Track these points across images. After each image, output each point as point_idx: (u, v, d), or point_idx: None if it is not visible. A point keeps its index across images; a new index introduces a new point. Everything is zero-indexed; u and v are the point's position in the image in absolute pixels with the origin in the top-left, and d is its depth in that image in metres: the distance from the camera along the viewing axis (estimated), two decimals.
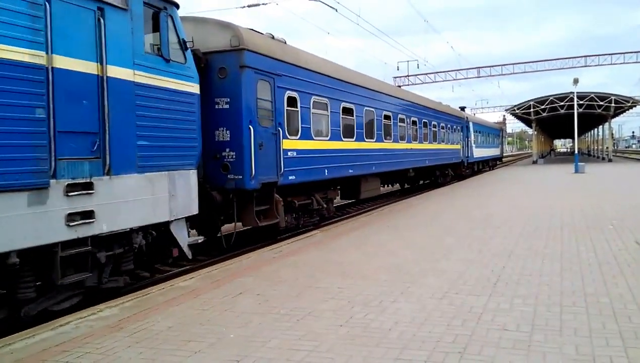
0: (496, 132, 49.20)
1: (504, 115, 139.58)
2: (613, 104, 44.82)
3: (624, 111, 51.06)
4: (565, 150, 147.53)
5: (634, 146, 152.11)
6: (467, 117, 33.78)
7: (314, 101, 12.53)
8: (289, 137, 11.33)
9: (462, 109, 36.30)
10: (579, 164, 32.36)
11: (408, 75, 52.43)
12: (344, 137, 14.14)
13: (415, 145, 21.02)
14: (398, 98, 19.46)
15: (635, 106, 50.35)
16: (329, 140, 13.28)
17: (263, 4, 25.09)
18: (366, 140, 15.69)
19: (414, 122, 21.11)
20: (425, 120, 22.85)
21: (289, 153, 11.25)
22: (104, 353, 4.76)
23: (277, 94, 10.86)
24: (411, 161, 20.66)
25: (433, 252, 8.80)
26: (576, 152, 37.14)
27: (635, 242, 8.94)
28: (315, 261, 8.55)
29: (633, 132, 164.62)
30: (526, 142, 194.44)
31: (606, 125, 54.55)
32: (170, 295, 6.72)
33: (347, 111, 14.51)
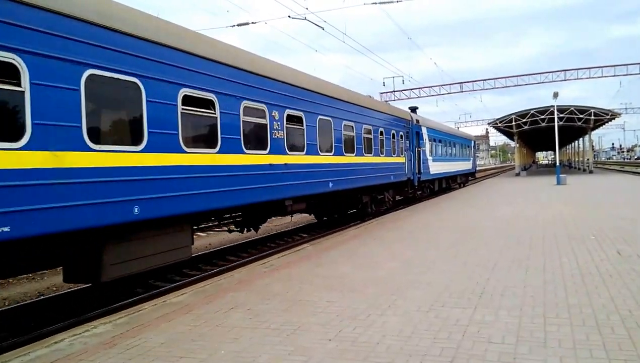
0: (466, 142, 41.11)
1: (487, 129, 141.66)
2: (593, 117, 45.35)
3: (604, 123, 51.64)
4: (547, 162, 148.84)
5: (614, 157, 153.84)
6: (417, 120, 24.74)
7: None
8: None
9: (413, 110, 26.90)
10: (560, 175, 32.64)
11: (394, 91, 53.01)
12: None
13: (301, 158, 12.48)
14: (261, 76, 10.90)
15: (614, 119, 51.07)
16: None
17: (252, 22, 25.37)
18: (117, 146, 7.32)
19: (294, 120, 12.27)
20: (326, 118, 13.99)
21: None
22: None
23: None
24: (293, 186, 12.01)
25: (418, 264, 8.80)
26: (557, 164, 37.46)
27: (617, 252, 9.00)
28: (306, 274, 8.52)
29: (613, 144, 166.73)
30: (509, 154, 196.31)
31: (586, 137, 55.18)
32: (163, 311, 6.67)
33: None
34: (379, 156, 18.41)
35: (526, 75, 52.67)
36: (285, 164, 11.71)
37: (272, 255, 11.18)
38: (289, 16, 24.16)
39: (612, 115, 48.13)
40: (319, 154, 13.49)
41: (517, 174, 53.23)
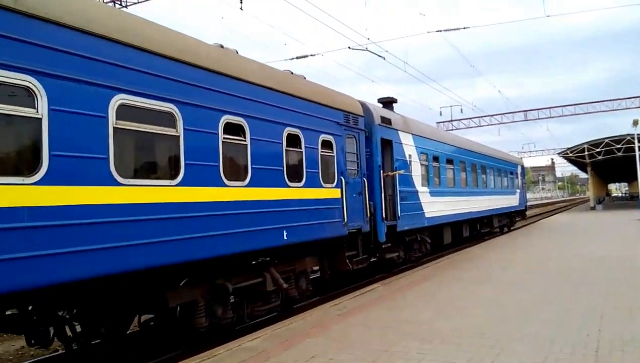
0: (508, 166, 28.41)
1: (552, 159, 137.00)
2: None
3: None
4: (620, 194, 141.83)
5: None
6: (384, 119, 13.58)
7: None
8: None
9: (388, 103, 15.89)
10: None
11: (452, 120, 51.86)
12: None
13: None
14: None
15: None
16: None
17: (311, 55, 25.81)
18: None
19: None
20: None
21: None
22: None
23: None
24: None
25: (511, 310, 8.16)
26: None
27: None
28: (385, 320, 8.07)
29: None
30: (577, 186, 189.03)
31: None
32: (240, 356, 6.39)
33: None
34: (242, 184, 8.05)
35: (596, 102, 50.42)
36: None
37: (343, 296, 10.77)
38: (349, 47, 24.20)
39: None
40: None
41: (592, 208, 50.80)
